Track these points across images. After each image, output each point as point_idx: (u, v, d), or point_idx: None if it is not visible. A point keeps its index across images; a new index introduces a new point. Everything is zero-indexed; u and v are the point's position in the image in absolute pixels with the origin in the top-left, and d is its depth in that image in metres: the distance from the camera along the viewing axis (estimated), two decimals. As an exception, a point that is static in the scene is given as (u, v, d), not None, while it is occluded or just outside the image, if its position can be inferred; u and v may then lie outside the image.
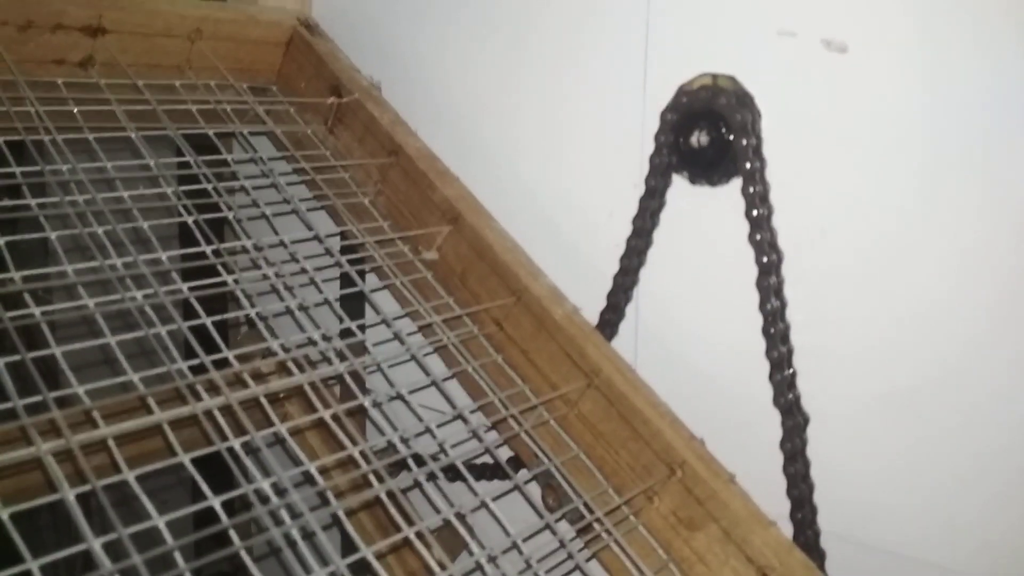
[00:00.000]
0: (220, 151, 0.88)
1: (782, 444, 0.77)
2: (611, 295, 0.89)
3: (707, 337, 0.85)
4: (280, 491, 0.61)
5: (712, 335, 0.85)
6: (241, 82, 0.97)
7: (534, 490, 0.82)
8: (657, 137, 0.83)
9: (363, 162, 0.94)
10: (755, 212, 0.77)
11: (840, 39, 0.73)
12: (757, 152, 0.77)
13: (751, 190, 0.77)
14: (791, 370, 0.77)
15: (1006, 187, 0.68)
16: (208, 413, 0.63)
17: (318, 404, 0.68)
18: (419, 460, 0.69)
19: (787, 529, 0.76)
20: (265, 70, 1.02)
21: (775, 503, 0.75)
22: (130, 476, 0.58)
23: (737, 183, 0.79)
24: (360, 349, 0.82)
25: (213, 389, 0.65)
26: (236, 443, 0.63)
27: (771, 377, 0.78)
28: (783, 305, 0.77)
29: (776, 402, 0.78)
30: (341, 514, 0.62)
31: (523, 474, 0.80)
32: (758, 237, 0.77)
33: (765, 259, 0.77)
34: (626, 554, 0.73)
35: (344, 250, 0.89)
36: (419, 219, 0.91)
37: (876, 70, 0.72)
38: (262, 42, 1.00)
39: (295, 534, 0.58)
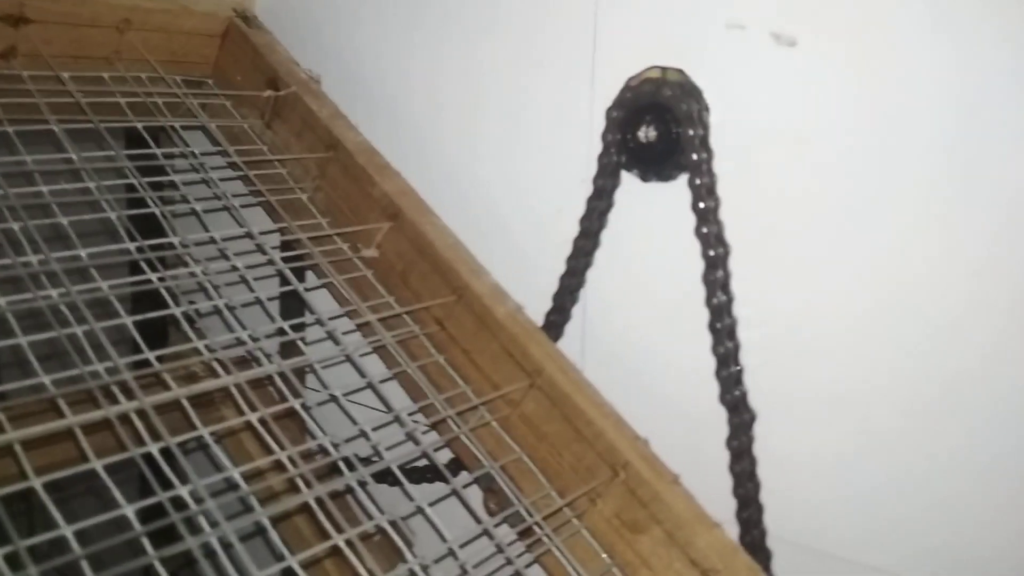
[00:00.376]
0: (151, 145, 0.84)
1: (728, 442, 0.76)
2: (557, 296, 0.86)
3: (654, 336, 0.84)
4: (198, 499, 0.58)
5: (659, 333, 0.83)
6: (174, 75, 0.94)
7: (477, 493, 0.80)
8: (604, 136, 0.81)
9: (301, 157, 0.91)
10: (701, 204, 0.75)
11: (789, 32, 0.72)
12: (704, 143, 0.76)
13: (697, 182, 0.76)
14: (738, 367, 0.76)
15: (954, 181, 0.67)
16: (123, 417, 0.60)
17: (245, 407, 0.65)
18: (352, 464, 0.66)
19: (733, 529, 0.75)
20: (200, 62, 0.99)
21: (722, 503, 0.74)
22: (37, 483, 0.55)
23: (686, 178, 0.77)
24: (296, 349, 0.79)
25: (127, 392, 0.62)
26: (154, 448, 0.60)
27: (717, 374, 0.76)
28: (730, 300, 0.76)
29: (723, 399, 0.76)
30: (265, 522, 0.59)
31: (464, 478, 0.77)
32: (704, 230, 0.76)
33: (712, 253, 0.75)
34: (568, 559, 0.71)
35: (282, 247, 0.86)
36: (358, 215, 0.88)
37: (825, 64, 0.71)
38: (196, 33, 0.97)
39: (215, 543, 0.55)
